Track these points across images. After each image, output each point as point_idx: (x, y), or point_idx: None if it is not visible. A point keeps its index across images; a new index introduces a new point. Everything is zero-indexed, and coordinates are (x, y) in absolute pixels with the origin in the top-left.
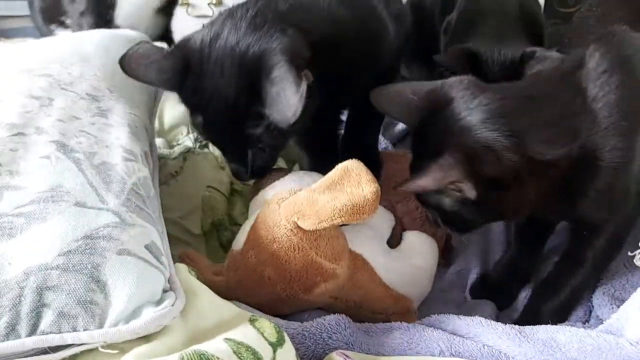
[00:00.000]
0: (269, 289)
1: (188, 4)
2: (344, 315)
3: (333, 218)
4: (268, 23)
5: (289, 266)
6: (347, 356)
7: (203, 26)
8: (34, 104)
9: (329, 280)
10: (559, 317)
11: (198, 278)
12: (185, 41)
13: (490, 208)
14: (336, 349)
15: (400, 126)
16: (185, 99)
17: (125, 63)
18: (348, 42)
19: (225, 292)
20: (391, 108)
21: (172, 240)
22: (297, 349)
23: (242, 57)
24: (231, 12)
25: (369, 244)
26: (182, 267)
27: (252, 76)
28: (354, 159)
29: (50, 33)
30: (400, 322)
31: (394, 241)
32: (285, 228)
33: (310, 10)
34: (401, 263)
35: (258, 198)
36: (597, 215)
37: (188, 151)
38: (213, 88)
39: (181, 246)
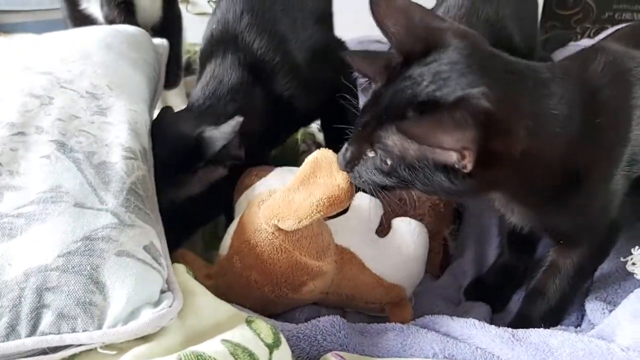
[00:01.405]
0: (258, 292)
1: (188, 2)
2: (338, 317)
3: (312, 215)
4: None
5: (274, 269)
6: (342, 357)
7: None
8: (35, 102)
9: (317, 278)
10: (550, 321)
11: (195, 278)
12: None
13: (461, 181)
14: (331, 350)
15: None
16: None
17: None
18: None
19: (217, 296)
20: (388, 21)
21: None
22: (291, 351)
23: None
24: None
25: (356, 236)
26: (180, 268)
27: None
28: (322, 149)
29: (74, 5)
30: (395, 312)
31: (382, 230)
32: (266, 232)
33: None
34: (391, 252)
35: (241, 200)
36: (574, 230)
37: None
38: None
39: None
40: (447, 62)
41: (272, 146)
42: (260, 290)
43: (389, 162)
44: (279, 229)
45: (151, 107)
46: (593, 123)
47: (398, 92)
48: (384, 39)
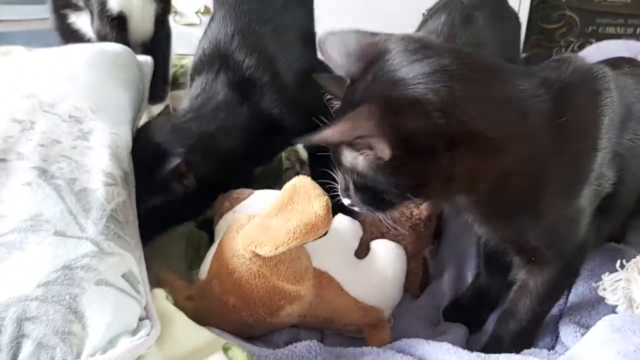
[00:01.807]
0: (236, 316)
1: (175, 12)
2: (315, 342)
3: (289, 242)
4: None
5: (252, 294)
6: None
7: None
8: (16, 128)
9: (294, 302)
10: (522, 342)
11: (175, 302)
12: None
13: (407, 176)
14: None
15: None
16: None
17: None
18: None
19: (196, 319)
20: (333, 57)
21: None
22: None
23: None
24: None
25: (334, 259)
26: (159, 293)
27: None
28: (300, 176)
29: (63, 18)
30: (373, 334)
31: (361, 252)
32: (244, 257)
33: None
34: (369, 274)
35: (221, 224)
36: (542, 246)
37: None
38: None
39: (161, 252)
40: (378, 67)
41: (259, 164)
42: (238, 314)
43: (353, 177)
44: (257, 255)
45: (134, 127)
46: (559, 122)
47: (339, 109)
48: None
